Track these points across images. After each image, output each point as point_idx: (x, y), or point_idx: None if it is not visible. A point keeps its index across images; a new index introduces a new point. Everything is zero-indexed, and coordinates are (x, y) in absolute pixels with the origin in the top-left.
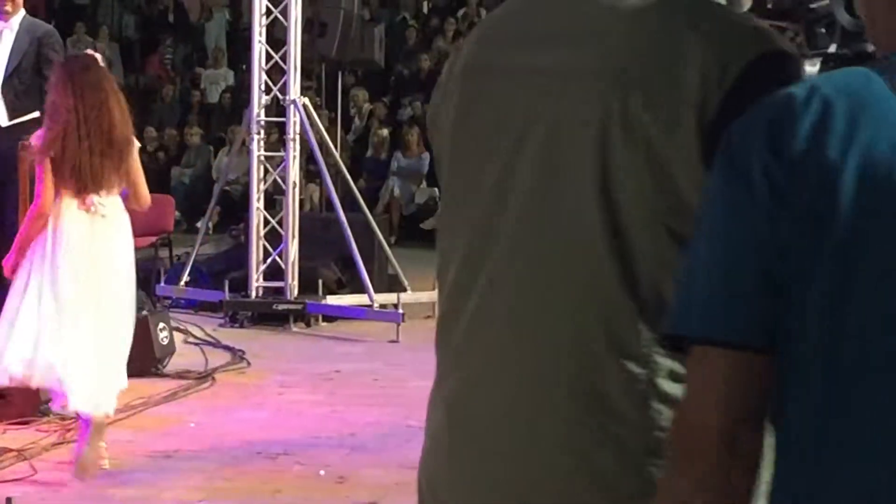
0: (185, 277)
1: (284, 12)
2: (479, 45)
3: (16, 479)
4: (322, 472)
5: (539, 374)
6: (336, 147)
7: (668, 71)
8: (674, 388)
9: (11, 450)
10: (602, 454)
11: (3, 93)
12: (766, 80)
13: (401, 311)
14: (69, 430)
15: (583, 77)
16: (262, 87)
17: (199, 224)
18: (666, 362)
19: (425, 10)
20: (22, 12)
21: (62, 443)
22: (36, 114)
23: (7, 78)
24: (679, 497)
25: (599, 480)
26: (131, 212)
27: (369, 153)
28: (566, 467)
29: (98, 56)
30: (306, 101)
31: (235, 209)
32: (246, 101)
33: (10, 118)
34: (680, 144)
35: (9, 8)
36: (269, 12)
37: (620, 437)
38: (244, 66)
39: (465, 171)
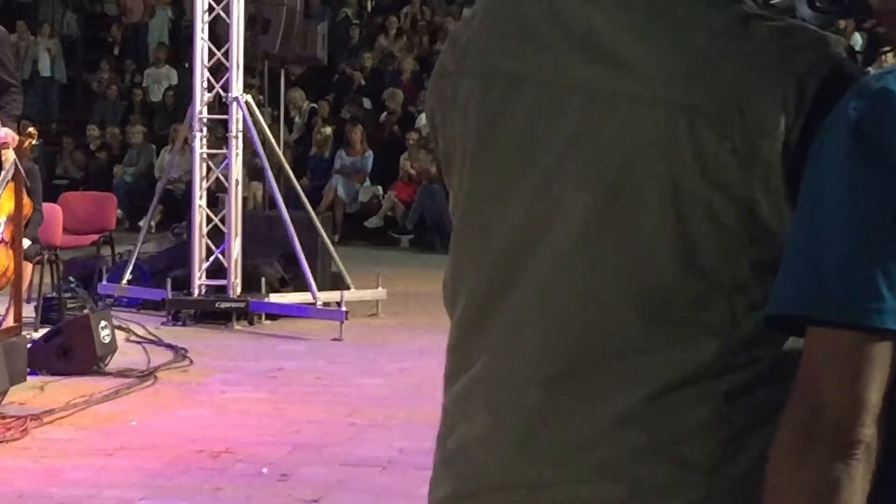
0: (128, 276)
1: (227, 9)
2: (494, 44)
3: None
4: (264, 470)
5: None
6: (279, 145)
7: (739, 101)
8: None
9: None
10: None
11: None
12: (840, 91)
13: (344, 309)
14: (9, 429)
15: (634, 99)
16: (205, 85)
17: (141, 222)
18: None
19: (368, 8)
20: None
21: (4, 441)
22: None
23: None
24: (807, 491)
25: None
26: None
27: (312, 151)
28: None
29: None
30: (249, 98)
31: (178, 207)
32: (189, 100)
33: None
34: (761, 175)
35: None
36: (211, 9)
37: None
38: (187, 65)
39: (489, 183)
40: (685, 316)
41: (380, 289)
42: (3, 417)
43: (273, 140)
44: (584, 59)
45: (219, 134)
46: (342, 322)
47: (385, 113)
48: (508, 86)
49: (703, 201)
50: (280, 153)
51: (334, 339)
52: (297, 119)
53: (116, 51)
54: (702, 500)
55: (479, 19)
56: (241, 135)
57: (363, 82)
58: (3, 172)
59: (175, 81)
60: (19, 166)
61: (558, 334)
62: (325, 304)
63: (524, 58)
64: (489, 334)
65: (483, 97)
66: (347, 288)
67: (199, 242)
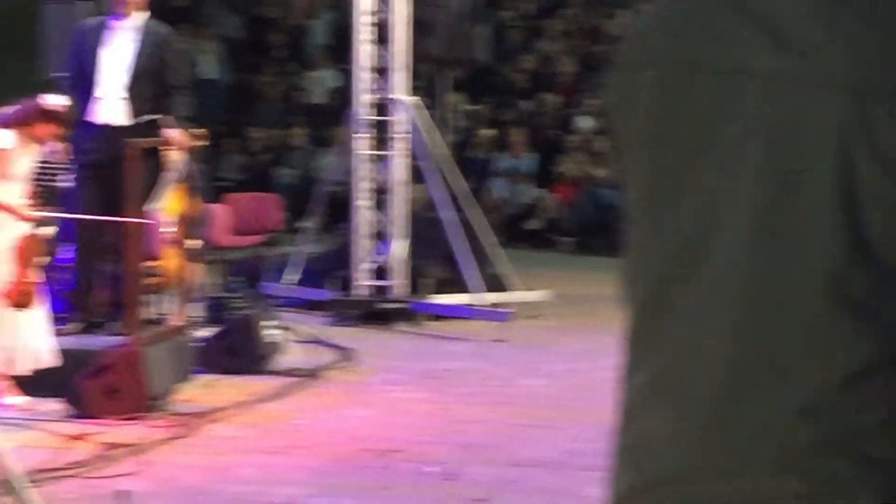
0: (292, 276)
1: (390, 11)
2: (670, 33)
3: (129, 474)
4: (431, 469)
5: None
6: (441, 146)
7: None
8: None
9: (124, 444)
10: None
11: (129, 94)
12: None
13: (507, 310)
14: (179, 426)
15: (816, 85)
16: (367, 87)
17: (302, 223)
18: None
19: (528, 10)
20: (145, 13)
21: (173, 438)
22: (155, 116)
23: (132, 79)
24: None
25: None
26: (237, 211)
27: (473, 153)
28: None
29: None
30: (413, 100)
31: (339, 209)
32: (350, 102)
33: (132, 119)
34: None
35: (124, 10)
36: (374, 11)
37: None
38: (348, 67)
39: (663, 176)
40: (864, 306)
41: (543, 290)
42: (172, 415)
43: (435, 142)
44: (762, 45)
45: (380, 135)
46: (505, 323)
47: (545, 115)
48: (684, 75)
49: (878, 188)
50: (442, 155)
51: (497, 340)
52: (457, 121)
53: (278, 53)
54: (886, 499)
55: (657, 9)
56: (404, 136)
57: (524, 84)
58: (171, 174)
59: (337, 83)
60: (188, 168)
61: (738, 325)
62: (488, 305)
63: (701, 46)
64: (667, 328)
65: (658, 88)
66: (510, 289)
67: (361, 243)
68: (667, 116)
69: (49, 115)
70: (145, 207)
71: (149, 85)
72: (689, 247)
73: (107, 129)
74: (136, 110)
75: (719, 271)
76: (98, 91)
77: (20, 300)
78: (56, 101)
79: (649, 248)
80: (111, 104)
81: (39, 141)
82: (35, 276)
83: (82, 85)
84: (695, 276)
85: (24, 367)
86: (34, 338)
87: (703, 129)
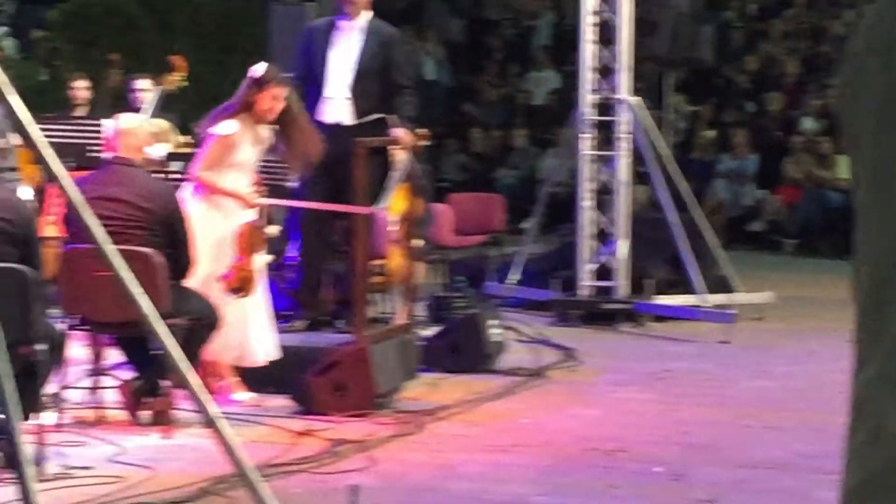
0: (515, 276)
1: (614, 11)
2: (893, 22)
3: (355, 470)
4: (657, 470)
5: None
6: (664, 147)
7: None
8: None
9: (350, 441)
10: None
11: (354, 93)
12: None
13: (732, 311)
14: (405, 423)
15: None
16: (591, 87)
17: (524, 224)
18: None
19: (751, 11)
20: (369, 13)
21: (399, 435)
22: (379, 115)
23: (357, 78)
24: None
25: None
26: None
27: (695, 154)
28: None
29: None
30: (636, 100)
31: (561, 209)
32: (572, 103)
33: (357, 118)
34: None
35: (351, 10)
36: (598, 11)
37: None
38: (569, 68)
39: (889, 164)
40: None
41: (767, 292)
42: (399, 412)
43: (659, 142)
44: None
45: (604, 136)
46: (730, 325)
47: (768, 116)
48: None
49: None
50: (666, 156)
51: (722, 342)
52: (679, 122)
53: (499, 55)
54: None
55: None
56: (626, 137)
57: (747, 85)
58: (397, 173)
59: (558, 84)
60: (412, 167)
61: None
62: (712, 306)
63: None
64: (891, 319)
65: (881, 74)
66: (733, 291)
67: (585, 244)
68: (889, 101)
69: (261, 82)
70: (372, 206)
71: (374, 84)
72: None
73: (335, 128)
74: (361, 109)
75: None
76: (326, 91)
77: (238, 285)
78: (261, 66)
79: (873, 237)
80: (338, 104)
81: (266, 116)
82: (255, 265)
83: (311, 85)
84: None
85: (253, 361)
86: (262, 332)
87: None
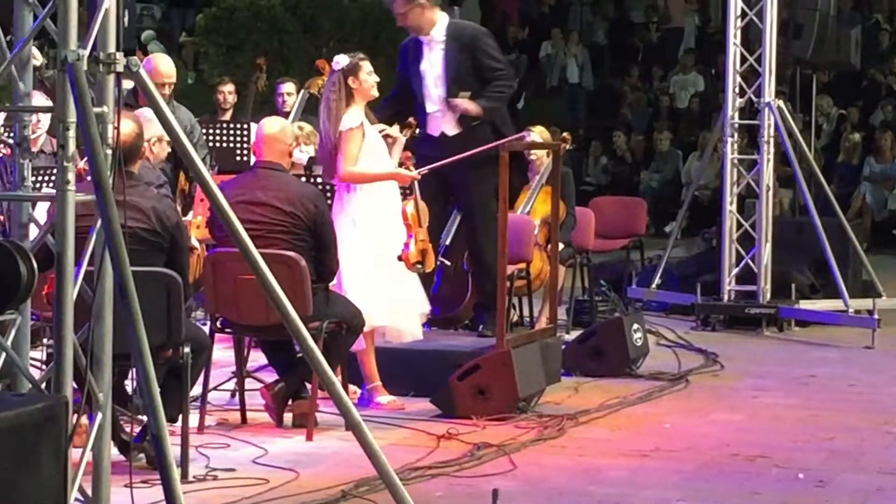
0: (657, 280)
1: (759, 14)
2: None
3: (497, 473)
4: (801, 476)
5: None
6: (809, 150)
7: None
8: None
9: (492, 444)
10: None
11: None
12: None
13: (876, 316)
14: (547, 427)
15: None
16: (737, 90)
17: (667, 228)
18: None
19: None
20: (445, 18)
21: (541, 439)
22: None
23: (448, 88)
24: None
25: None
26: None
27: (840, 158)
28: None
29: None
30: (780, 104)
31: (704, 213)
32: (715, 106)
33: (460, 127)
34: None
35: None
36: (744, 14)
37: None
38: (714, 71)
39: None
40: None
41: None
42: (541, 416)
43: (804, 146)
44: None
45: (748, 139)
46: (874, 330)
47: None
48: None
49: None
50: (811, 159)
51: (866, 347)
52: (825, 125)
53: (643, 57)
54: None
55: None
56: (772, 140)
57: (893, 88)
58: (539, 177)
59: (701, 87)
60: (556, 170)
61: None
62: (856, 311)
63: None
64: None
65: None
66: (879, 296)
67: (730, 248)
68: None
69: (351, 68)
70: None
71: (470, 88)
72: None
73: (441, 139)
74: (464, 117)
75: None
76: (427, 107)
77: (418, 259)
78: (341, 57)
79: None
80: (439, 116)
81: (371, 94)
82: (426, 235)
83: (416, 102)
84: None
85: (400, 339)
86: (410, 312)
87: None
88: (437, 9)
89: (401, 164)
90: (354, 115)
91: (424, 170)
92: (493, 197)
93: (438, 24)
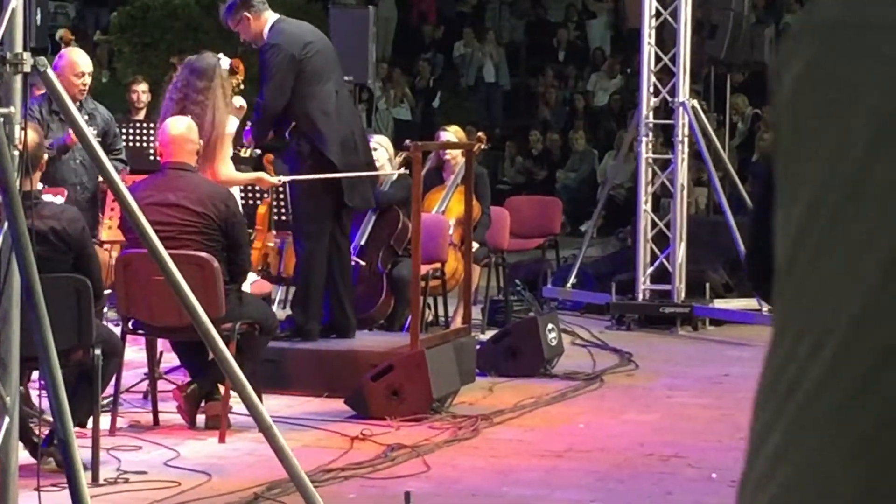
0: (572, 280)
1: (674, 14)
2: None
3: (410, 475)
4: (714, 475)
5: None
6: (723, 150)
7: None
8: None
9: (406, 445)
10: None
11: None
12: None
13: None
14: (461, 428)
15: None
16: (651, 90)
17: (582, 227)
18: None
19: None
20: (272, 20)
21: (455, 440)
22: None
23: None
24: None
25: None
26: (518, 214)
27: (755, 157)
28: None
29: None
30: (695, 103)
31: (618, 213)
32: (631, 106)
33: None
34: None
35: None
36: (658, 14)
37: None
38: (629, 70)
39: (804, 153)
40: None
41: None
42: (455, 417)
43: (718, 145)
44: None
45: (663, 139)
46: None
47: None
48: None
49: None
50: (725, 158)
51: None
52: (739, 124)
53: (560, 56)
54: None
55: None
56: (686, 140)
57: None
58: (453, 176)
59: (617, 87)
60: (469, 170)
61: None
62: (771, 310)
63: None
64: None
65: (817, 51)
66: None
67: (644, 247)
68: (811, 85)
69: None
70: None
71: None
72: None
73: None
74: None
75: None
76: None
77: (262, 264)
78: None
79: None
80: None
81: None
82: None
83: None
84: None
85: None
86: None
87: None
88: (264, 15)
89: (263, 168)
90: (233, 119)
91: (286, 178)
92: (316, 217)
93: (265, 29)
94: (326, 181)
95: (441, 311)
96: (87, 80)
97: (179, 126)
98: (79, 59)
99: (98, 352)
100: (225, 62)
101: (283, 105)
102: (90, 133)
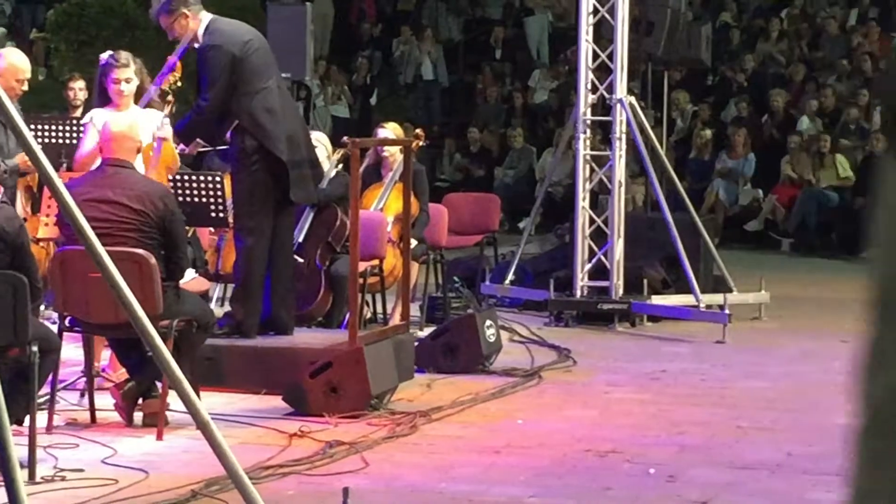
0: (510, 276)
1: (611, 11)
2: None
3: (349, 471)
4: (652, 471)
5: None
6: (661, 147)
7: None
8: None
9: (344, 442)
10: None
11: None
12: None
13: (727, 311)
14: (399, 424)
15: None
16: (589, 87)
17: (521, 224)
18: None
19: (748, 11)
20: (206, 20)
21: (393, 436)
22: None
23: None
24: None
25: None
26: (456, 211)
27: (693, 154)
28: None
29: None
30: (632, 100)
31: (557, 210)
32: (569, 103)
33: None
34: None
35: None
36: (595, 11)
37: None
38: (567, 67)
39: None
40: None
41: (762, 292)
42: (393, 413)
43: (656, 142)
44: None
45: (601, 136)
46: (725, 325)
47: (765, 116)
48: None
49: None
50: (663, 155)
51: (717, 342)
52: (678, 121)
53: (498, 54)
54: None
55: None
56: (624, 136)
57: (744, 85)
58: (391, 173)
59: (556, 84)
60: (407, 167)
61: None
62: (708, 306)
63: None
64: None
65: None
66: (729, 291)
67: (582, 244)
68: None
69: None
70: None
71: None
72: None
73: None
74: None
75: None
76: None
77: None
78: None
79: None
80: None
81: None
82: None
83: None
84: None
85: None
86: None
87: None
88: (199, 15)
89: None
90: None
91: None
92: (257, 212)
93: (200, 29)
94: (272, 176)
95: (379, 308)
96: (26, 85)
97: (121, 123)
98: (21, 64)
99: (35, 349)
100: None
101: (226, 105)
102: (25, 129)
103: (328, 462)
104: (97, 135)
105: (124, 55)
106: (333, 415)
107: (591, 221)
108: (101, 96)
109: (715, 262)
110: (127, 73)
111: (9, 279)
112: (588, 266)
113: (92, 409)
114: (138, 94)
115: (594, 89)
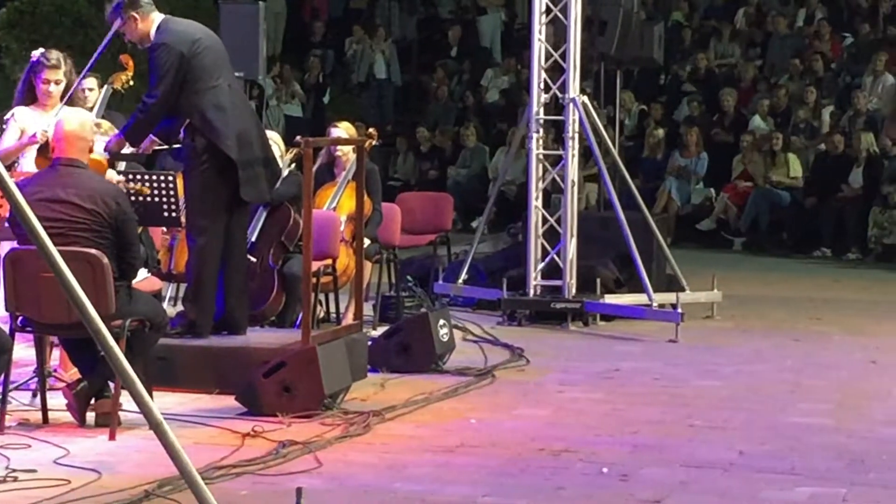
0: (463, 275)
1: (564, 11)
2: None
3: (302, 471)
4: (605, 470)
5: None
6: (614, 146)
7: None
8: None
9: (297, 442)
10: None
11: None
12: None
13: (680, 310)
14: (352, 424)
15: None
16: (541, 86)
17: (473, 223)
18: None
19: (700, 11)
20: (158, 20)
21: (347, 436)
22: None
23: None
24: None
25: None
26: (409, 210)
27: (645, 153)
28: None
29: None
30: (585, 99)
31: (509, 209)
32: (522, 102)
33: None
34: None
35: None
36: (548, 10)
37: None
38: (520, 67)
39: None
40: None
41: (715, 291)
42: (347, 413)
43: (608, 141)
44: None
45: (554, 135)
46: (678, 324)
47: (718, 115)
48: None
49: None
50: (615, 154)
51: (670, 341)
52: (627, 121)
53: (452, 53)
54: None
55: None
56: (577, 136)
57: (697, 84)
58: (344, 173)
59: (509, 83)
60: (360, 166)
61: None
62: (660, 305)
63: None
64: None
65: None
66: (682, 290)
67: (535, 243)
68: None
69: None
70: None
71: None
72: None
73: None
74: None
75: None
76: None
77: None
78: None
79: None
80: None
81: None
82: None
83: None
84: None
85: None
86: None
87: None
88: (151, 16)
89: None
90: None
91: None
92: (209, 211)
93: (152, 29)
94: (224, 174)
95: (332, 308)
96: None
97: (73, 122)
98: None
99: None
100: None
101: (173, 103)
102: None
103: (281, 462)
104: (17, 132)
105: (55, 56)
106: (287, 414)
107: (545, 220)
108: (26, 93)
109: (667, 262)
110: (57, 74)
111: None
112: (541, 265)
113: (44, 410)
114: (64, 94)
115: (547, 88)
